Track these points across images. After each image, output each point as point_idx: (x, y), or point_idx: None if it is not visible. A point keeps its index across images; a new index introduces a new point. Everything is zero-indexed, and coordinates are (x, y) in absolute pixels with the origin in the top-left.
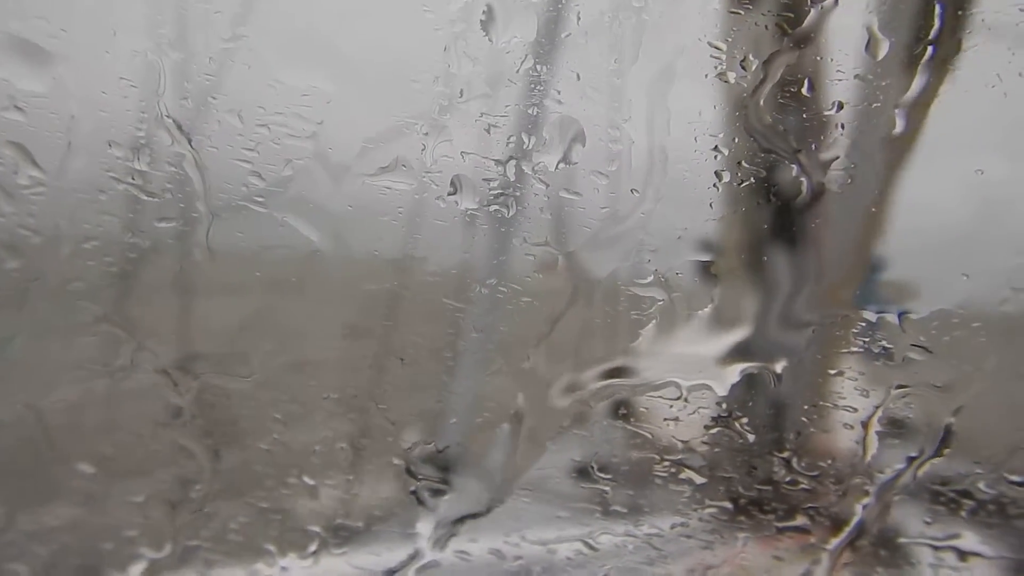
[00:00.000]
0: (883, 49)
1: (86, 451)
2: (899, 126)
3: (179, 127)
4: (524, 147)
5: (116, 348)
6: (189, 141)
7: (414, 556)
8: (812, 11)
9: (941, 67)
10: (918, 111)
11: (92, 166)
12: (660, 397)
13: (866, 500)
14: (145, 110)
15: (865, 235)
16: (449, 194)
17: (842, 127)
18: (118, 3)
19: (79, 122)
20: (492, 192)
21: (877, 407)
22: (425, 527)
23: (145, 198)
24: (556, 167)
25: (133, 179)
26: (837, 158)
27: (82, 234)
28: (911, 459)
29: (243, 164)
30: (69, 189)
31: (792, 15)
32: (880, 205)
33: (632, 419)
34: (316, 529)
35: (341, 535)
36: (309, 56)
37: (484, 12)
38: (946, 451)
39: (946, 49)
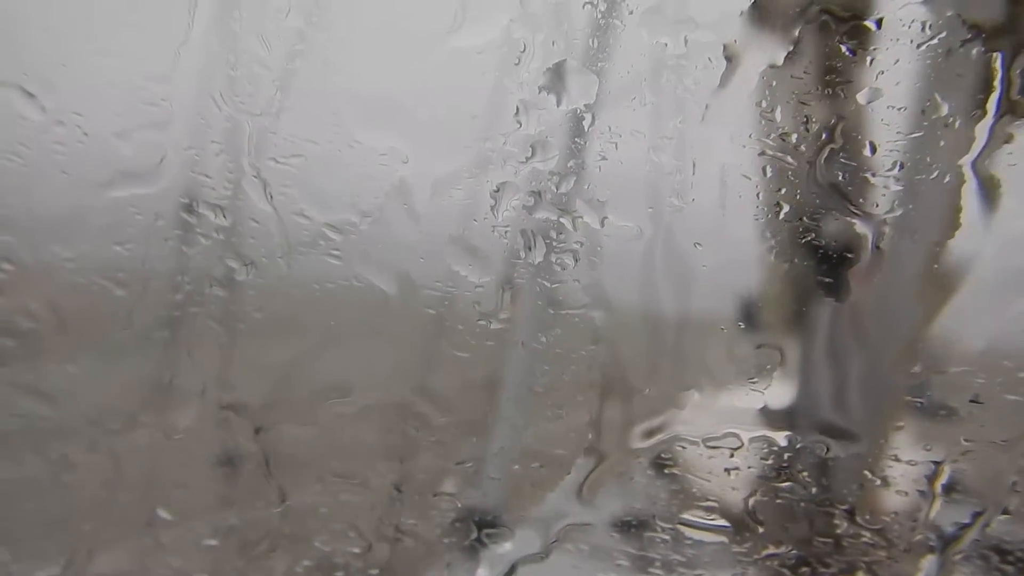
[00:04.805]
0: (942, 111)
1: (157, 494)
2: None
3: (264, 185)
4: (590, 203)
5: (192, 392)
6: (271, 198)
7: None
8: (870, 74)
9: (1002, 130)
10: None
11: (181, 222)
12: (718, 446)
13: (930, 557)
14: (233, 170)
15: (923, 293)
16: (518, 248)
17: (900, 185)
18: (214, 72)
19: (173, 181)
20: (558, 247)
21: (940, 463)
22: (482, 574)
23: (229, 252)
24: (627, 227)
25: (217, 234)
26: (894, 216)
27: (167, 287)
28: (976, 515)
29: (321, 218)
30: (155, 247)
31: (851, 81)
32: (936, 264)
33: (690, 471)
34: (375, 574)
35: None
36: (387, 118)
37: (553, 75)
38: (1012, 508)
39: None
